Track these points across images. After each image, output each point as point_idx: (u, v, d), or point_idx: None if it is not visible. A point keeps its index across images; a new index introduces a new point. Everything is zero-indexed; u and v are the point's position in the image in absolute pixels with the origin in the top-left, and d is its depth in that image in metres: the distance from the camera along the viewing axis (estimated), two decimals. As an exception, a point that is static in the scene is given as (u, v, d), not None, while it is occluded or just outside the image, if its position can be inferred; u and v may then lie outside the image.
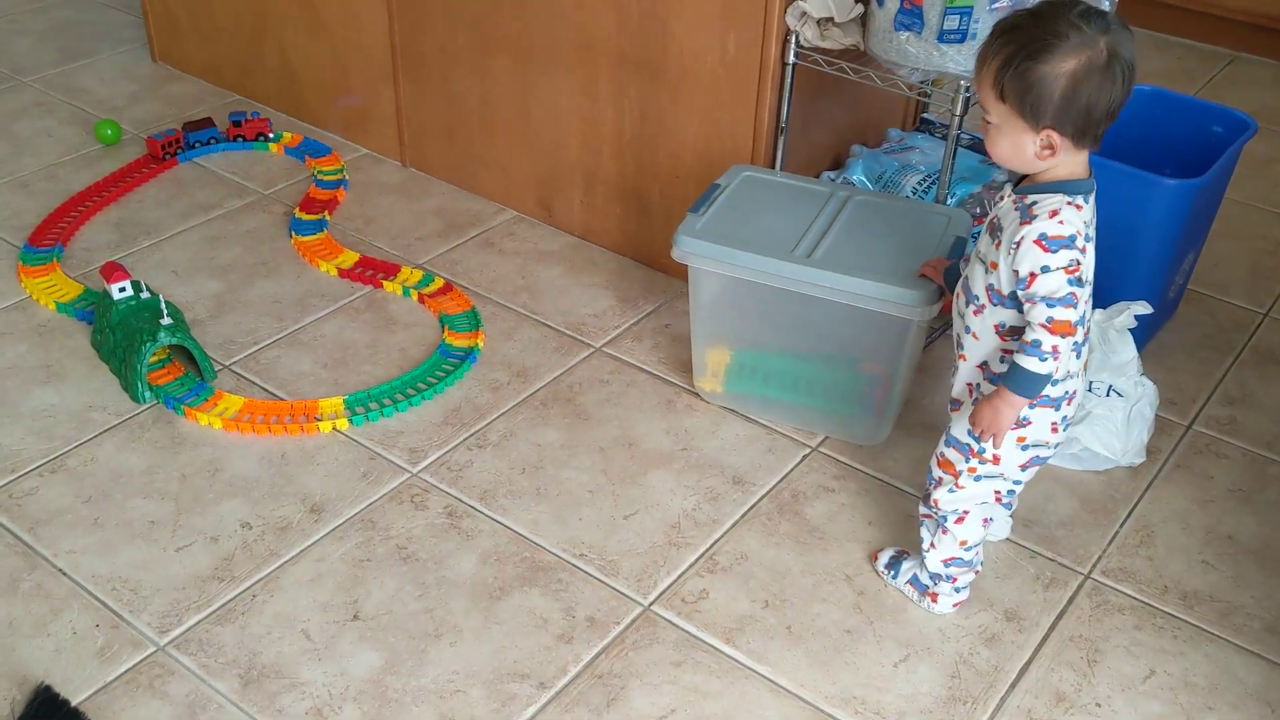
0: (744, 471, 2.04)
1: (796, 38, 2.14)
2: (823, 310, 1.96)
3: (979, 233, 1.74)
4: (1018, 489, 1.72)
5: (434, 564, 1.85)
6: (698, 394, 2.19)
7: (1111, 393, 2.03)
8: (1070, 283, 1.47)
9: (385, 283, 2.46)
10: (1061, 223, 1.47)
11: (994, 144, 1.50)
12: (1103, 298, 2.08)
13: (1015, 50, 1.43)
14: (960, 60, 2.02)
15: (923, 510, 1.77)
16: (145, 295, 2.23)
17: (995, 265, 1.53)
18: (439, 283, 2.47)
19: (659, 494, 1.99)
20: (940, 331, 2.34)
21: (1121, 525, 1.97)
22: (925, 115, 2.73)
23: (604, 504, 1.97)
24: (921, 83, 2.13)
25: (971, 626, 1.78)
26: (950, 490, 1.70)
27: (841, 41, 2.13)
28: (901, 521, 1.94)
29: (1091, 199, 1.52)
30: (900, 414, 2.15)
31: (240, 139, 2.59)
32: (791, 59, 2.16)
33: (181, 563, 1.84)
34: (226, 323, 2.36)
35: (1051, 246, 1.47)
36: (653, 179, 2.44)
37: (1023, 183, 1.55)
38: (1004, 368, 1.59)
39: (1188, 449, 2.13)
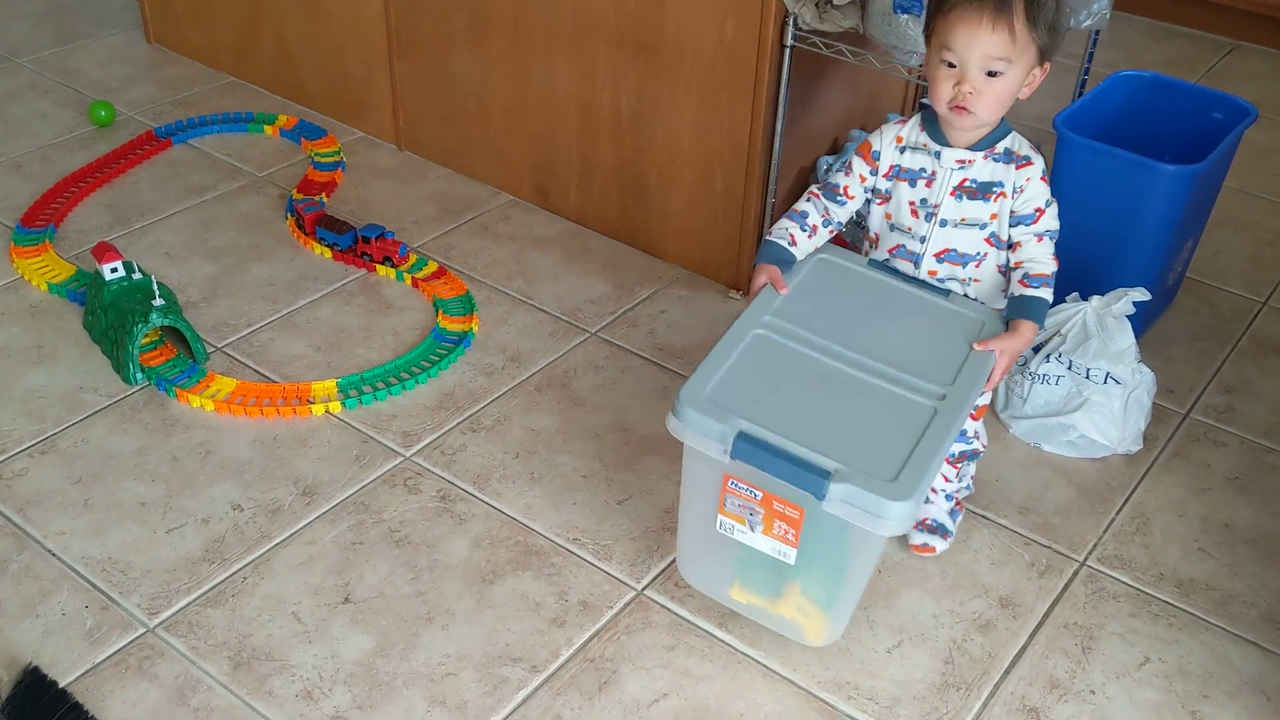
0: (739, 457, 2.03)
1: (795, 20, 2.12)
2: None
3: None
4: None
5: (426, 548, 1.84)
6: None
7: (1109, 380, 2.02)
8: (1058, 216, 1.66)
9: (379, 266, 2.45)
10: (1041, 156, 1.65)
11: (998, 92, 1.56)
12: (1101, 284, 2.07)
13: None
14: (959, 44, 2.00)
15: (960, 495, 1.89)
16: (137, 276, 2.22)
17: (996, 216, 1.65)
18: (433, 267, 2.45)
19: (652, 479, 1.98)
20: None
21: (1118, 513, 1.96)
22: (924, 100, 2.72)
23: (597, 489, 1.96)
24: (921, 66, 2.11)
25: (966, 613, 1.77)
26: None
27: (840, 24, 2.12)
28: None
29: None
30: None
31: (366, 255, 2.44)
32: (790, 42, 2.15)
33: (172, 545, 1.83)
34: (219, 305, 2.35)
35: (1050, 181, 1.65)
36: (650, 163, 2.43)
37: (969, 145, 1.64)
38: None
39: (1185, 437, 2.12)
